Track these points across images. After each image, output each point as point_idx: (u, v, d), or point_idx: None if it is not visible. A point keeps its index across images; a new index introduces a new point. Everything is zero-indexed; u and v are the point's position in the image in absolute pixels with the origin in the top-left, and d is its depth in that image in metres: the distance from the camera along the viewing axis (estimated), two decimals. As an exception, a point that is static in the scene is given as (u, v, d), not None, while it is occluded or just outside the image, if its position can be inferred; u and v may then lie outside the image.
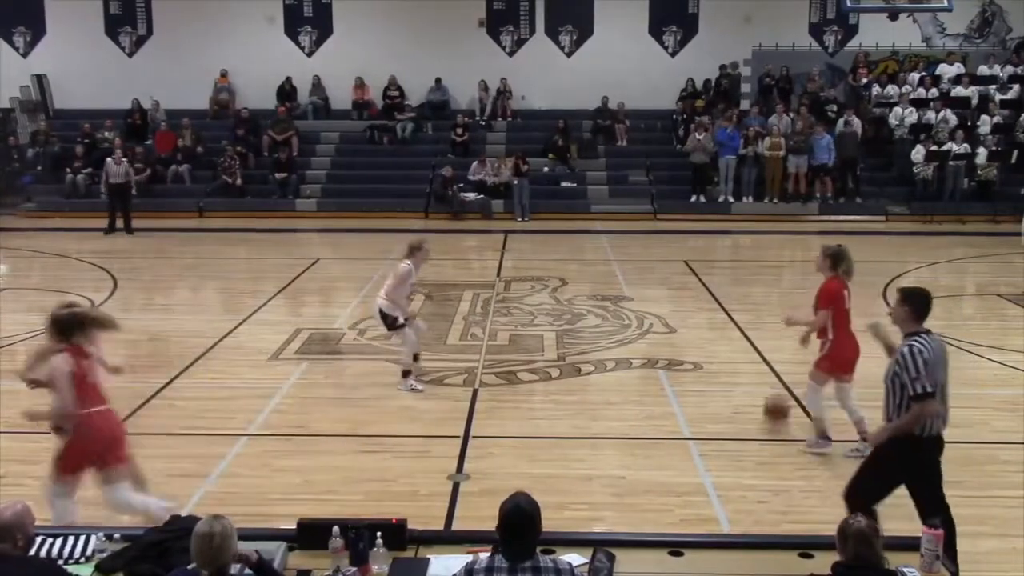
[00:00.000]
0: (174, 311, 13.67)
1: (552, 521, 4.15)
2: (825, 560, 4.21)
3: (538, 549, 3.92)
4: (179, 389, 9.49)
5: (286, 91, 23.34)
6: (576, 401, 9.14)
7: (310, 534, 4.59)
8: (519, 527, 3.85)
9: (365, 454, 7.74)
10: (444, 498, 6.83)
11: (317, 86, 23.43)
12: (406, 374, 9.29)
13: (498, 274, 15.14)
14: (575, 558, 4.39)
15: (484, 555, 4.04)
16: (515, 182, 20.84)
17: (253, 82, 23.34)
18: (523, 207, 20.69)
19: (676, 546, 4.68)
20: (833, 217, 20.30)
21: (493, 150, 22.43)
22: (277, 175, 21.49)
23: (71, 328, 6.06)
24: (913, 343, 5.36)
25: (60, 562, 4.40)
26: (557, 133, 22.03)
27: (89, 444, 5.92)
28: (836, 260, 7.49)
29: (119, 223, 18.75)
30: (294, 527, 4.68)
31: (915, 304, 5.51)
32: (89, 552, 4.56)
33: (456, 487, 7.09)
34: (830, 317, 7.39)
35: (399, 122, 22.87)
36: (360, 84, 23.29)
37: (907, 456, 5.41)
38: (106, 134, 21.85)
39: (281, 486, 7.14)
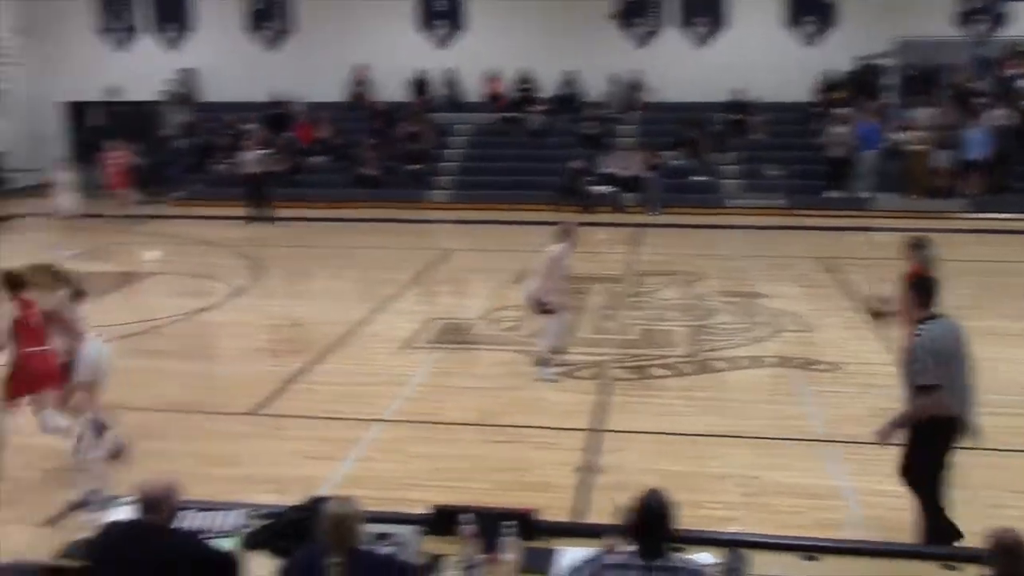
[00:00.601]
0: (313, 298, 14.11)
1: (685, 519, 4.11)
2: (969, 573, 4.05)
3: (670, 547, 3.89)
4: (317, 374, 9.79)
5: (421, 83, 23.74)
6: (709, 398, 9.03)
7: (443, 520, 4.67)
8: (652, 523, 3.83)
9: (496, 443, 7.83)
10: (574, 490, 6.85)
11: (451, 79, 23.74)
12: (545, 362, 9.34)
13: (629, 268, 15.06)
14: (707, 557, 4.35)
15: (616, 550, 4.04)
16: (647, 176, 20.67)
17: (389, 75, 23.78)
18: (655, 201, 20.52)
19: (811, 550, 4.58)
20: (982, 214, 19.40)
21: (624, 143, 22.30)
22: (411, 166, 21.90)
23: (16, 285, 7.45)
24: (921, 332, 5.35)
25: (206, 535, 4.60)
26: (688, 126, 21.75)
27: (25, 376, 7.35)
28: (914, 249, 7.24)
29: (259, 212, 19.41)
30: (427, 512, 4.78)
31: (919, 290, 5.50)
32: (233, 527, 4.76)
33: (586, 480, 7.10)
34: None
35: (530, 114, 22.97)
36: (493, 77, 23.49)
37: (933, 437, 5.48)
38: (248, 126, 22.65)
39: (414, 472, 7.28)
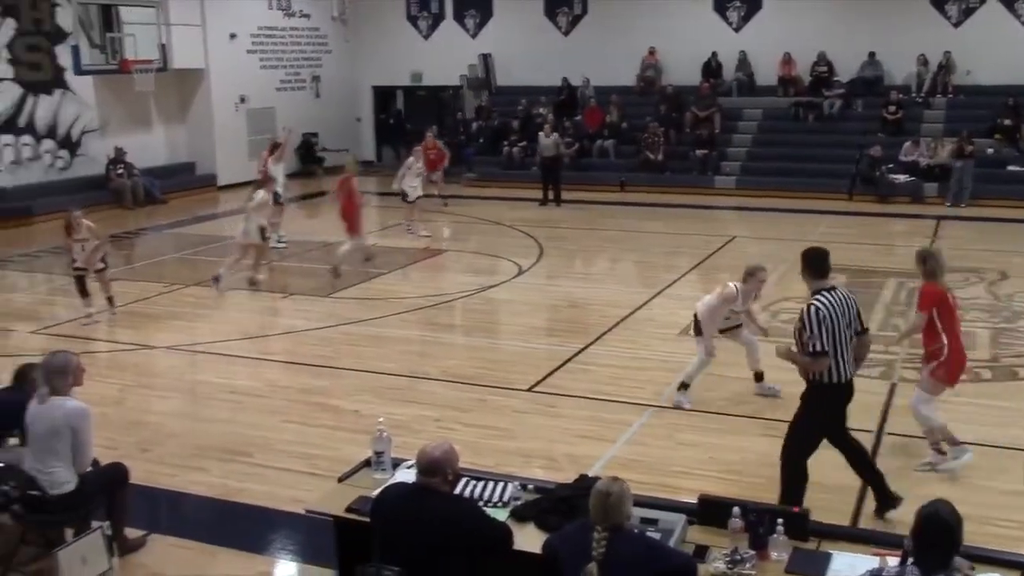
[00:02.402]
0: (593, 280, 14.31)
1: (973, 535, 3.82)
2: None
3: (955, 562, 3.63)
4: (593, 355, 9.92)
5: (711, 67, 23.33)
6: (1009, 408, 8.33)
7: (711, 511, 4.61)
8: (936, 536, 3.58)
9: (771, 438, 7.58)
10: (851, 492, 6.53)
11: (743, 62, 23.14)
12: (683, 386, 8.42)
13: (927, 262, 14.09)
14: (995, 579, 4.02)
15: (893, 561, 3.82)
16: (956, 164, 19.24)
17: (679, 59, 23.59)
18: (959, 191, 19.08)
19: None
20: None
21: (929, 129, 20.86)
22: (698, 151, 21.64)
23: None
24: (813, 302, 5.73)
25: (480, 504, 4.79)
26: (1006, 111, 19.98)
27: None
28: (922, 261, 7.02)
29: (551, 195, 19.92)
30: (695, 501, 4.73)
31: (810, 262, 5.88)
32: (506, 498, 4.93)
33: (866, 484, 6.75)
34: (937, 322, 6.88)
35: (826, 99, 21.98)
36: (787, 60, 22.67)
37: (818, 402, 5.88)
38: (540, 110, 23.25)
39: (684, 459, 7.23)
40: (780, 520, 4.39)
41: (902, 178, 19.84)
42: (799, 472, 5.94)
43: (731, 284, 8.35)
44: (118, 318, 11.46)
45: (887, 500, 6.16)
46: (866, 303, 11.50)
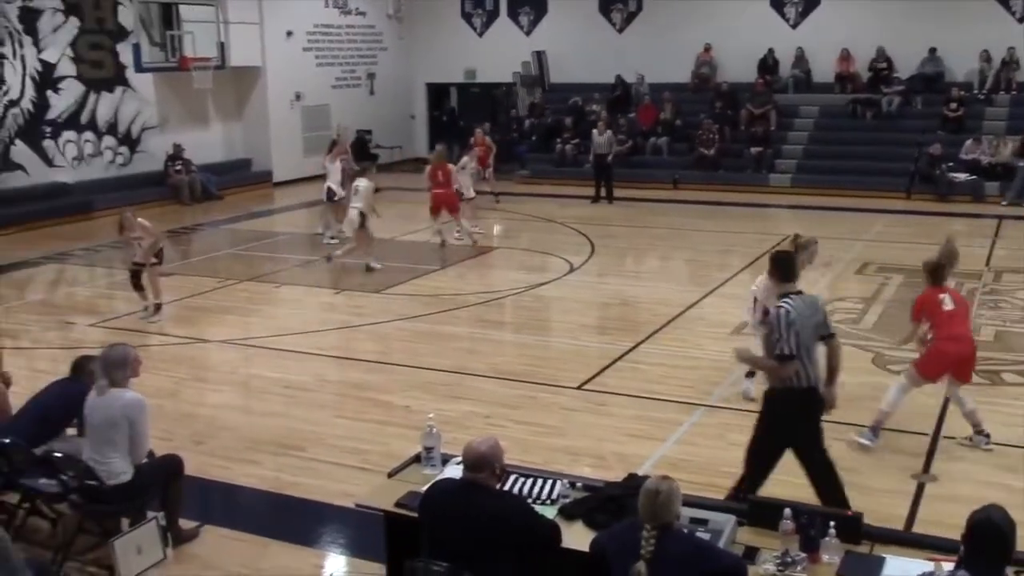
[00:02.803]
0: (644, 278, 14.24)
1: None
2: None
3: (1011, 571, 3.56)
4: (644, 353, 9.87)
5: (767, 64, 23.07)
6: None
7: (761, 512, 4.56)
8: (989, 542, 3.52)
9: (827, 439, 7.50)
10: (906, 497, 6.43)
11: (800, 58, 22.85)
12: (751, 374, 8.35)
13: (987, 263, 13.82)
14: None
15: (947, 566, 3.75)
16: (1019, 163, 18.81)
17: (734, 55, 23.35)
18: (1019, 190, 18.68)
19: None
20: None
21: (991, 127, 20.43)
22: (753, 149, 21.42)
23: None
24: (782, 304, 5.67)
25: (528, 501, 4.79)
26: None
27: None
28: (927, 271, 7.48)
29: (603, 192, 19.85)
30: (745, 503, 4.69)
31: (777, 265, 5.92)
32: (554, 496, 4.92)
33: (921, 488, 6.65)
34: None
35: (885, 96, 21.63)
36: (845, 56, 22.33)
37: (784, 407, 5.75)
38: (593, 107, 23.18)
39: (734, 460, 7.12)
40: (832, 523, 4.33)
41: (963, 176, 19.46)
42: (758, 473, 5.86)
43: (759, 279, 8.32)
44: (174, 311, 11.62)
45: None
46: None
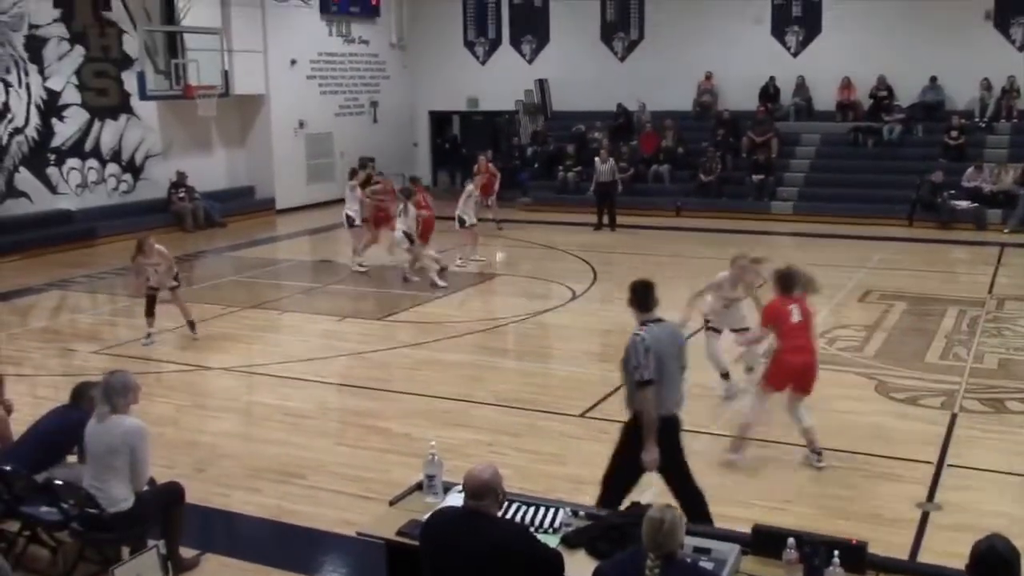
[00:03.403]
0: (646, 306, 14.19)
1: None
2: None
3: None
4: (646, 381, 9.81)
5: (769, 92, 23.18)
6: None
7: (765, 541, 4.54)
8: (992, 571, 3.50)
9: (827, 468, 7.48)
10: (910, 526, 6.40)
11: (801, 86, 22.97)
12: (749, 369, 9.21)
13: (990, 291, 13.81)
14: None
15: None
16: (1021, 191, 18.84)
17: (736, 83, 23.48)
18: (1021, 218, 18.69)
19: None
20: None
21: (993, 155, 20.49)
22: (755, 176, 21.48)
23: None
24: (637, 333, 5.70)
25: (530, 529, 4.75)
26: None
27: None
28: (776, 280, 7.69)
29: (605, 219, 19.88)
30: (749, 531, 4.66)
31: (635, 295, 5.86)
32: (557, 524, 4.90)
33: (925, 517, 6.61)
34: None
35: (886, 124, 21.71)
36: (846, 84, 22.45)
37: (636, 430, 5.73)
38: (595, 135, 23.26)
39: (736, 488, 7.13)
40: (836, 552, 4.30)
41: (964, 204, 19.49)
42: (614, 497, 5.90)
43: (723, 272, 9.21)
44: (176, 339, 11.64)
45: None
46: (926, 331, 11.36)
